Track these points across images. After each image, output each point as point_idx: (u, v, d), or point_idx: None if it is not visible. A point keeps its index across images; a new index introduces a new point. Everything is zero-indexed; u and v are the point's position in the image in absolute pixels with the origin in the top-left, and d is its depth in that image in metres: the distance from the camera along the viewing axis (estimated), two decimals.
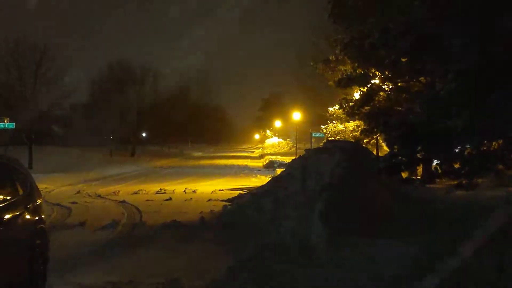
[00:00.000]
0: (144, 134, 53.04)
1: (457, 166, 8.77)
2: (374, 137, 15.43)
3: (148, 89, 48.88)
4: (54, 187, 19.31)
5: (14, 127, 26.57)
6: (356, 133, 18.60)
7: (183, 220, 10.49)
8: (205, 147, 77.98)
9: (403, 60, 10.42)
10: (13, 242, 4.88)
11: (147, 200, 14.63)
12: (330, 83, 17.14)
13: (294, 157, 14.62)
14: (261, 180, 20.82)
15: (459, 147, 8.41)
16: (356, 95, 16.14)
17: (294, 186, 9.80)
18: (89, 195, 16.39)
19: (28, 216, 5.39)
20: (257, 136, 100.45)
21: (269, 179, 15.01)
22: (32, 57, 29.06)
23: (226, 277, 6.09)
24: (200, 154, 61.37)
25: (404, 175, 9.41)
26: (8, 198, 5.06)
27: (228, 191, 16.88)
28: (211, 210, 11.88)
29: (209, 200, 14.38)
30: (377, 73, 13.51)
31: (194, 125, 64.52)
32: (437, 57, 8.63)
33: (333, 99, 21.67)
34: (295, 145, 43.51)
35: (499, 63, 7.38)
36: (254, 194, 11.62)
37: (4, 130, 26.50)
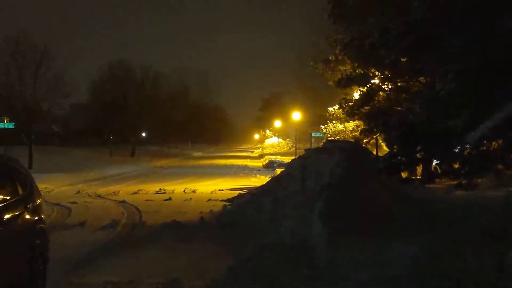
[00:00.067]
0: (144, 134, 53.04)
1: (456, 166, 8.77)
2: (374, 137, 15.43)
3: (148, 89, 48.82)
4: (54, 187, 19.31)
5: (14, 127, 26.57)
6: (356, 133, 18.60)
7: (183, 220, 10.49)
8: (205, 147, 78.01)
9: (403, 60, 10.42)
10: (13, 242, 4.87)
11: (147, 200, 14.64)
12: (330, 83, 17.14)
13: (293, 157, 14.62)
14: (260, 180, 20.81)
15: (459, 147, 8.41)
16: (356, 95, 16.14)
17: (294, 186, 9.80)
18: (89, 195, 16.39)
19: (28, 216, 5.39)
20: (257, 136, 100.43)
21: (269, 179, 15.00)
22: (32, 57, 29.05)
23: (226, 277, 6.09)
24: (200, 154, 61.38)
25: (403, 175, 9.42)
26: (8, 198, 5.06)
27: (227, 191, 16.88)
28: (211, 210, 11.88)
29: (209, 200, 14.39)
30: (377, 73, 13.51)
31: (194, 125, 64.59)
32: (437, 57, 8.63)
33: (333, 99, 21.68)
34: (294, 145, 43.50)
35: (499, 63, 7.38)
36: (254, 194, 11.62)
37: (4, 130, 26.53)
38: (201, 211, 11.70)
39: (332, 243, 7.00)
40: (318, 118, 29.17)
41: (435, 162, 9.27)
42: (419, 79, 12.15)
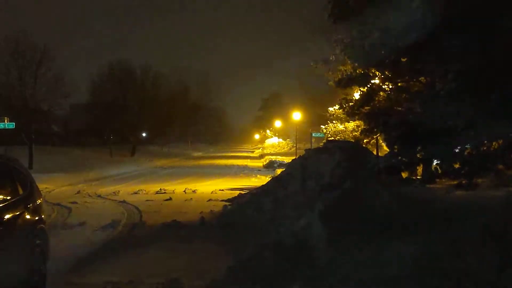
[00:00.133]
0: (144, 134, 53.04)
1: (457, 166, 8.77)
2: (374, 137, 15.41)
3: (148, 89, 48.81)
4: (54, 187, 19.32)
5: (14, 127, 26.57)
6: (356, 133, 18.61)
7: (183, 220, 10.50)
8: (205, 147, 77.99)
9: (403, 60, 10.42)
10: (13, 242, 4.88)
11: (147, 200, 14.64)
12: (330, 83, 17.12)
13: (294, 157, 14.62)
14: (261, 180, 20.81)
15: (459, 147, 8.41)
16: (356, 95, 16.12)
17: (294, 186, 9.80)
18: (89, 195, 16.40)
19: (28, 216, 5.40)
20: (257, 136, 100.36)
21: (269, 179, 15.01)
22: (32, 57, 29.05)
23: (226, 277, 6.09)
24: (200, 154, 61.38)
25: (404, 175, 9.42)
26: (8, 198, 5.07)
27: (228, 191, 16.88)
28: (211, 210, 11.89)
29: (209, 200, 14.38)
30: (377, 73, 13.49)
31: (194, 125, 64.53)
32: (437, 57, 8.62)
33: (333, 99, 21.67)
34: (295, 145, 43.50)
35: (499, 63, 7.38)
36: (254, 194, 11.62)
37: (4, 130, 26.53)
38: (202, 211, 11.71)
39: (332, 243, 7.00)
40: (319, 118, 29.18)
41: (435, 162, 9.27)
42: (419, 79, 12.13)
